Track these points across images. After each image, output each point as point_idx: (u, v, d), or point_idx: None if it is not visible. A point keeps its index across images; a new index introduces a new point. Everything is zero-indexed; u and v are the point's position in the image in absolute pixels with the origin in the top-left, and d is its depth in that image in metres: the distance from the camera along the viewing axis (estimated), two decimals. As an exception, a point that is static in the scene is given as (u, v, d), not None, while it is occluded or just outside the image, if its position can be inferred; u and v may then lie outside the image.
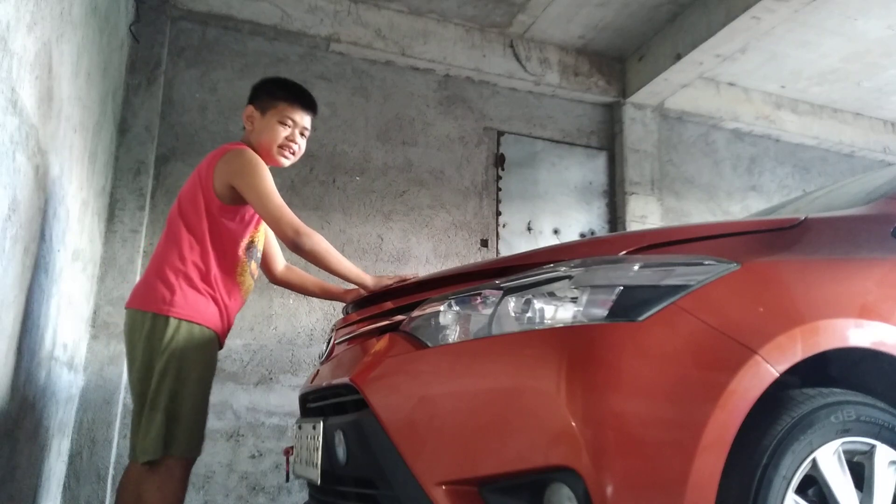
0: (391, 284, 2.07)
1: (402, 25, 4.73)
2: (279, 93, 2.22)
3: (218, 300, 2.10)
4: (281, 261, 2.49)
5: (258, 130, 2.20)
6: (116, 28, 3.48)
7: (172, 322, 1.99)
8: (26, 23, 1.80)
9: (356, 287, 2.23)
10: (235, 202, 2.10)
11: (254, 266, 2.25)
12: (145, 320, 2.01)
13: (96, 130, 3.20)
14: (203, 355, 2.05)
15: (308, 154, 4.48)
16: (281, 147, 2.19)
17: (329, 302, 4.27)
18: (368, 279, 2.14)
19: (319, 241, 2.06)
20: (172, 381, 1.97)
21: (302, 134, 2.24)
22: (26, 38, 1.82)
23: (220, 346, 2.16)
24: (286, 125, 2.20)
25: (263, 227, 2.27)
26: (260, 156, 2.15)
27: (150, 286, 2.05)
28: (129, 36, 3.90)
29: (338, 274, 2.10)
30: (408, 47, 4.71)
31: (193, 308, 2.03)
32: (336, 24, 4.55)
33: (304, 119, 2.23)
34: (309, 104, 2.25)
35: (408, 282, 1.99)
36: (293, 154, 2.24)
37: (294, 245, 2.03)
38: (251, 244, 2.21)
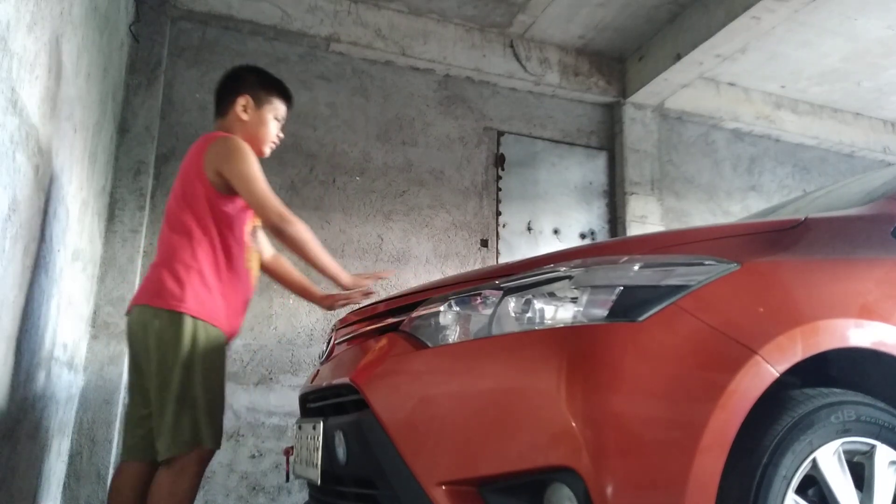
0: (366, 287, 2.16)
1: (401, 25, 4.73)
2: (273, 89, 2.28)
3: (227, 295, 2.11)
4: (269, 248, 2.47)
5: (253, 122, 2.23)
6: (116, 28, 3.48)
7: (188, 319, 2.00)
8: (26, 23, 1.80)
9: (336, 294, 2.29)
10: (231, 190, 2.10)
11: (256, 251, 2.28)
12: (158, 317, 2.00)
13: (96, 130, 3.20)
14: (218, 352, 2.08)
15: (308, 154, 4.51)
16: (272, 142, 2.29)
17: (329, 302, 4.27)
18: (344, 276, 2.17)
19: (302, 230, 2.07)
20: (198, 377, 1.99)
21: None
22: (26, 38, 1.81)
23: (232, 337, 2.19)
24: (278, 121, 2.29)
25: None
26: (249, 145, 2.19)
27: (161, 282, 2.04)
28: (129, 36, 3.90)
29: (316, 265, 2.12)
30: (408, 47, 4.71)
31: (205, 305, 2.04)
32: (336, 24, 4.55)
33: (286, 115, 2.33)
34: (292, 101, 2.35)
35: (384, 276, 2.12)
36: (273, 147, 2.32)
37: (277, 230, 2.04)
38: (255, 229, 2.25)
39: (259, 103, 2.24)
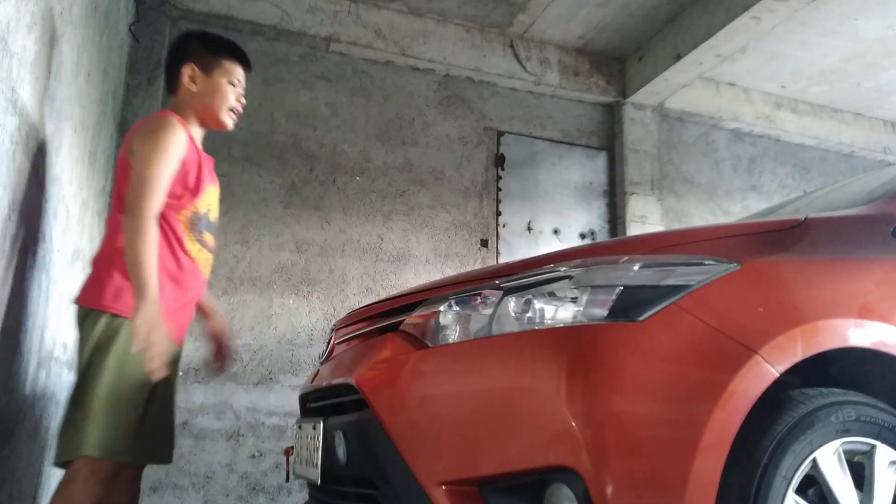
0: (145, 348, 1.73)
1: (401, 25, 4.73)
2: (221, 51, 2.07)
3: (162, 289, 1.85)
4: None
5: (204, 92, 2.03)
6: (116, 28, 3.48)
7: (103, 316, 1.83)
8: (26, 23, 1.80)
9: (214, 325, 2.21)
10: None
11: (208, 237, 2.05)
12: (83, 316, 1.87)
13: (96, 130, 3.20)
14: (125, 349, 1.80)
15: (308, 154, 4.51)
16: (231, 109, 2.08)
17: (329, 302, 4.28)
18: (149, 298, 1.73)
19: (143, 230, 1.77)
20: (101, 379, 1.79)
21: (244, 93, 2.13)
22: (26, 38, 1.81)
23: (175, 336, 1.94)
24: (234, 85, 2.08)
25: (214, 195, 2.09)
26: (205, 119, 2.06)
27: (87, 282, 1.93)
28: (129, 36, 3.90)
29: (129, 267, 1.78)
30: (408, 47, 4.71)
31: (124, 299, 1.83)
32: (336, 24, 4.55)
33: (244, 77, 2.12)
34: (248, 61, 2.14)
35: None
36: (237, 115, 2.11)
37: (127, 214, 1.81)
38: (195, 216, 1.99)
39: (207, 69, 2.03)
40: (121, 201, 1.90)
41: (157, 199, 1.83)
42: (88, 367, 1.82)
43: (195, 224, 1.99)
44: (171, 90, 2.07)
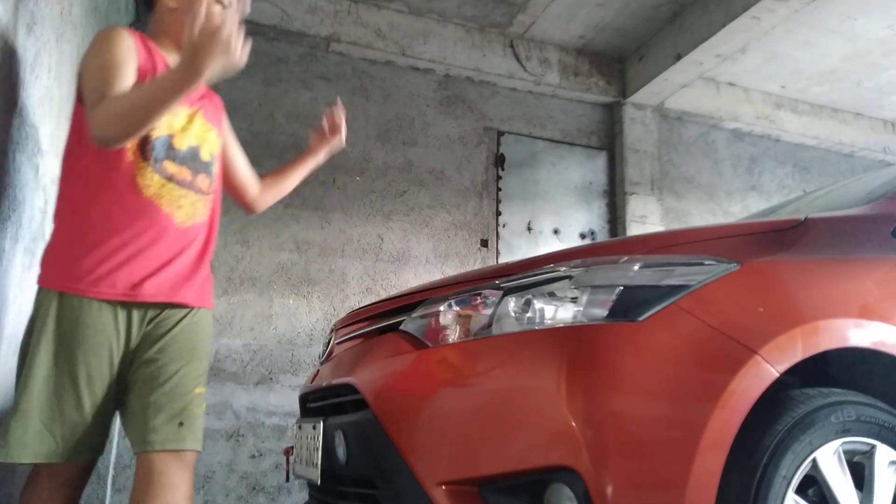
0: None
1: (402, 25, 4.73)
2: None
3: (107, 240, 1.52)
4: (255, 180, 2.00)
5: (184, 8, 1.62)
6: (116, 28, 3.48)
7: (40, 293, 1.55)
8: (26, 23, 1.80)
9: (318, 136, 1.94)
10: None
11: (172, 167, 1.61)
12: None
13: (96, 130, 3.20)
14: (78, 328, 1.51)
15: (308, 154, 4.50)
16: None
17: (329, 302, 4.28)
18: (195, 67, 1.39)
19: (117, 101, 1.44)
20: (29, 366, 1.51)
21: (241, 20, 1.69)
22: (26, 38, 1.82)
23: (132, 298, 1.54)
24: (223, 4, 1.74)
25: (193, 122, 1.68)
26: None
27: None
28: (129, 36, 3.90)
29: (158, 104, 1.42)
30: (408, 47, 4.71)
31: (61, 266, 1.53)
32: (336, 24, 4.55)
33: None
34: None
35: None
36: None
37: (102, 142, 1.46)
38: (146, 141, 1.56)
39: None
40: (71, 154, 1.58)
41: (119, 85, 1.47)
42: (21, 352, 1.57)
43: (146, 151, 1.57)
44: (148, 5, 1.69)
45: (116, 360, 1.55)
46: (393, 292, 2.14)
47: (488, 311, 1.52)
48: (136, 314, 1.57)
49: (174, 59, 1.66)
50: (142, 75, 1.56)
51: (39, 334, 1.52)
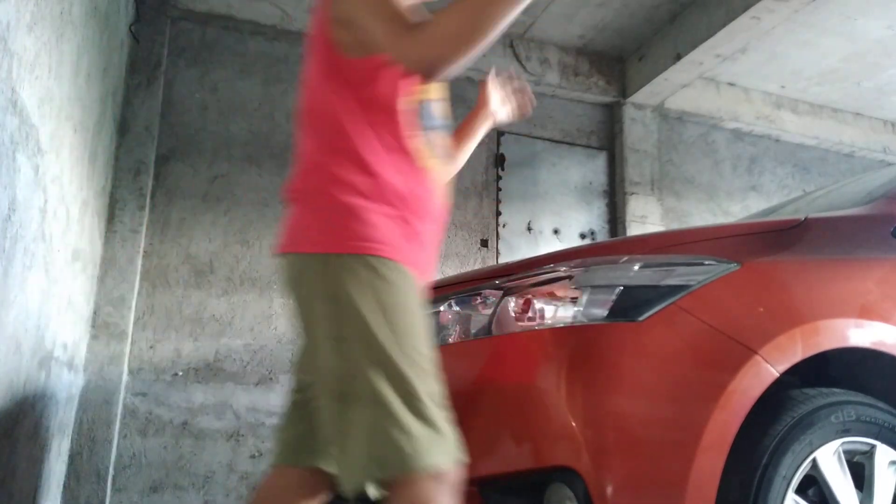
0: None
1: (402, 25, 4.72)
2: None
3: (408, 217, 1.27)
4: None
5: None
6: (116, 28, 3.48)
7: (372, 262, 1.21)
8: (26, 23, 1.80)
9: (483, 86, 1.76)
10: (368, 48, 1.28)
11: (437, 136, 1.41)
12: (313, 264, 1.27)
13: (96, 130, 3.20)
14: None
15: (308, 154, 4.50)
16: None
17: (329, 302, 4.27)
18: None
19: (445, 23, 1.26)
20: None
21: None
22: (26, 38, 1.82)
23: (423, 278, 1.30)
24: None
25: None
26: None
27: (320, 219, 1.27)
28: (129, 36, 3.90)
29: (495, 16, 1.31)
30: (408, 47, 4.71)
31: (388, 238, 1.24)
32: (336, 24, 4.54)
33: None
34: None
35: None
36: None
37: (427, 71, 1.27)
38: (418, 103, 1.36)
39: None
40: (320, 89, 1.32)
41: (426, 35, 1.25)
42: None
43: (423, 114, 1.37)
44: None
45: None
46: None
47: (488, 311, 1.52)
48: None
49: None
50: None
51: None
